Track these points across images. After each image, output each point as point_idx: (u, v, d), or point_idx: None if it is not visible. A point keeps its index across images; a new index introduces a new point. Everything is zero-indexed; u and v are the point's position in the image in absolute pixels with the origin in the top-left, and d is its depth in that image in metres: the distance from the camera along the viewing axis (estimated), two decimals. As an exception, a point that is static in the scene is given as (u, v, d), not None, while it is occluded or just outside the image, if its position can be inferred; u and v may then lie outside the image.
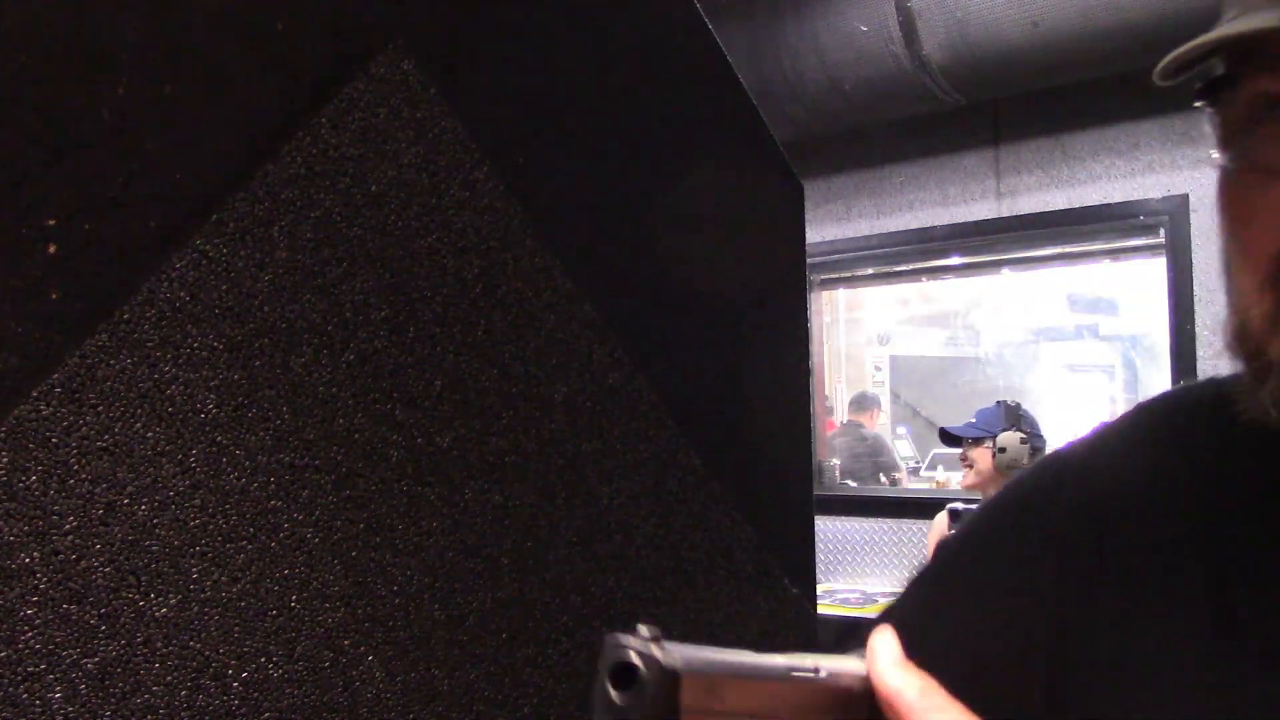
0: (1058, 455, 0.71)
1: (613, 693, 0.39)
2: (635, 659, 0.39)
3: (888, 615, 0.65)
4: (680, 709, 0.39)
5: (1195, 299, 3.30)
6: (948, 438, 3.51)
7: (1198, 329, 3.30)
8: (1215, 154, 0.64)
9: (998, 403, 3.50)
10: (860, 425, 4.97)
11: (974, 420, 3.41)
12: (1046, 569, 0.63)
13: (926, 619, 0.66)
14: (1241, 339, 0.60)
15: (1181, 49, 0.62)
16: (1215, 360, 0.84)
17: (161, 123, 0.74)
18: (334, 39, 0.84)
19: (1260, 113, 0.60)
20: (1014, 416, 3.36)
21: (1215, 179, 0.64)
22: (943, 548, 0.73)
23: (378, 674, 0.82)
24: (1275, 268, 0.58)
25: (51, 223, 0.69)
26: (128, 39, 0.72)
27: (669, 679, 0.39)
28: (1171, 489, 0.64)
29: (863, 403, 5.12)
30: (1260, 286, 0.59)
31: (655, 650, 0.39)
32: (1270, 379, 0.57)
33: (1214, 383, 0.68)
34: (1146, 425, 0.69)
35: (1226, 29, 0.58)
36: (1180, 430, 0.67)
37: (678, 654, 0.40)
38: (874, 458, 4.84)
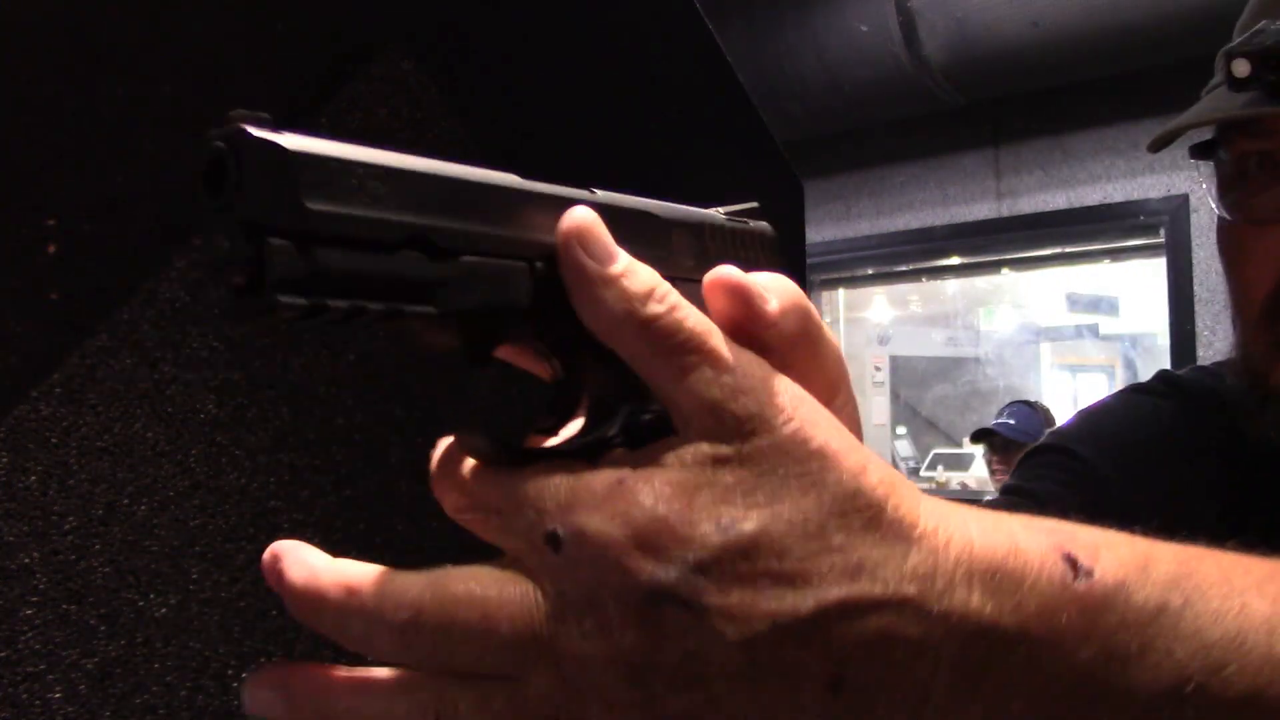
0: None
1: (207, 198, 0.28)
2: (222, 145, 0.28)
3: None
4: (301, 201, 0.28)
5: (1195, 299, 3.30)
6: (991, 436, 3.45)
7: (1198, 328, 3.30)
8: (1213, 205, 0.74)
9: (1024, 403, 3.48)
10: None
11: (1010, 421, 3.39)
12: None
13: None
14: (1247, 368, 0.71)
15: (1176, 125, 0.73)
16: (1215, 360, 0.91)
17: (161, 123, 0.74)
18: (334, 39, 0.84)
19: (1249, 168, 0.70)
20: (1051, 419, 3.37)
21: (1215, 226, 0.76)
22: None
23: (378, 674, 0.82)
24: (1271, 306, 0.69)
25: (51, 223, 0.69)
26: (128, 39, 0.72)
27: (273, 159, 0.27)
28: (1198, 457, 0.77)
29: None
30: (1259, 323, 0.70)
31: (251, 128, 0.28)
32: (1272, 406, 0.68)
33: (1209, 379, 0.82)
34: (1172, 404, 0.83)
35: (1217, 113, 0.70)
36: (1200, 418, 0.79)
37: (293, 137, 0.28)
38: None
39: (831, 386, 0.36)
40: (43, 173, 0.68)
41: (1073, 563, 0.33)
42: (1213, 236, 0.79)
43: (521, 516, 0.32)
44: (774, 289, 0.34)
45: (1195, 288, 3.30)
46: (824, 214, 4.11)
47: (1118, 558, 0.34)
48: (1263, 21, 0.66)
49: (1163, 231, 3.44)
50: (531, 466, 0.33)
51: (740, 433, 0.31)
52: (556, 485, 0.32)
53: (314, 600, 0.33)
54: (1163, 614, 0.33)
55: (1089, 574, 0.33)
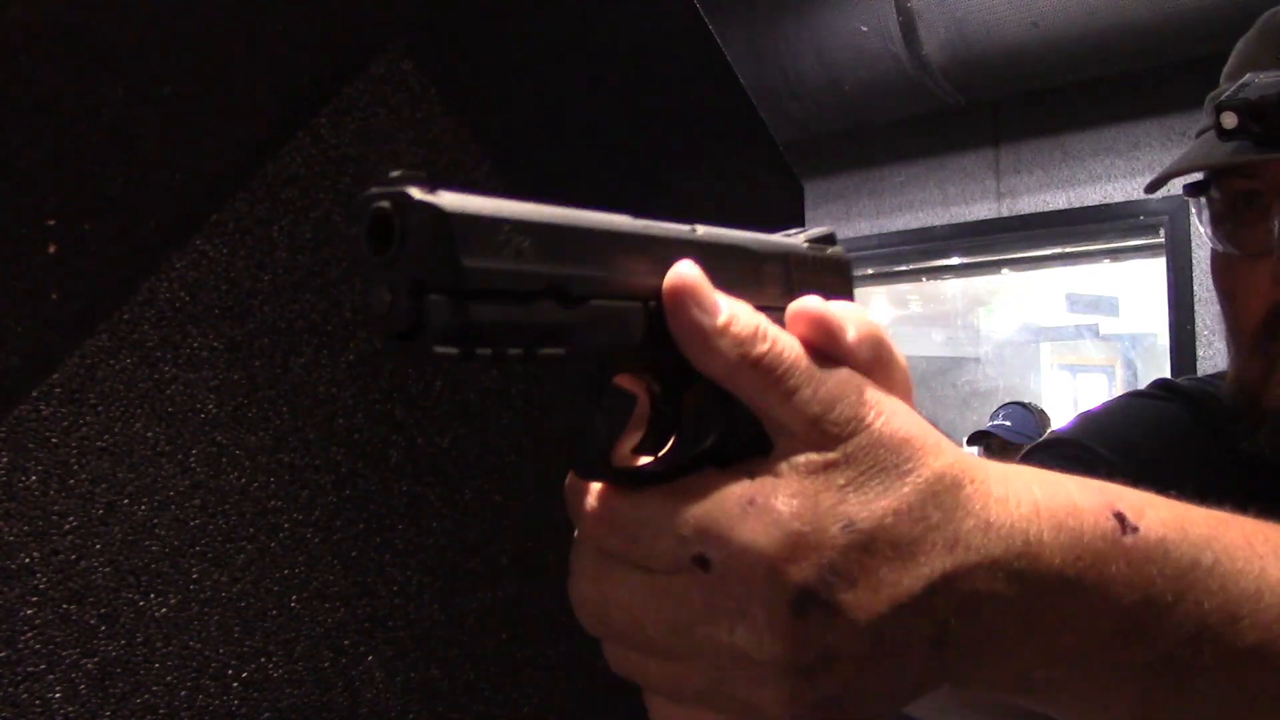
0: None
1: (370, 253, 0.32)
2: (387, 205, 0.31)
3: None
4: (459, 261, 0.30)
5: (1195, 299, 3.30)
6: (988, 438, 3.46)
7: (1198, 329, 3.29)
8: (1208, 237, 0.78)
9: (1019, 404, 3.48)
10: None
11: (1006, 423, 3.39)
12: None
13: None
14: (1242, 389, 0.75)
15: (1171, 169, 0.77)
16: (1215, 361, 0.93)
17: (161, 123, 0.74)
18: (334, 39, 0.84)
19: (1238, 205, 0.75)
20: (1046, 420, 3.36)
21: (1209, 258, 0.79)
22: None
23: (378, 674, 0.82)
24: (1261, 336, 0.73)
25: (51, 223, 0.69)
26: (128, 39, 0.72)
27: (434, 221, 0.30)
28: (1198, 458, 0.78)
29: None
30: (1252, 349, 0.74)
31: (414, 191, 0.31)
32: (1266, 425, 0.72)
33: (1208, 386, 0.84)
34: (1175, 407, 0.85)
35: (1209, 159, 0.74)
36: (1204, 421, 0.81)
37: (449, 197, 0.31)
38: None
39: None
40: (43, 173, 0.68)
41: (1121, 519, 0.37)
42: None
43: (664, 543, 0.35)
44: (852, 319, 0.37)
45: (1195, 288, 3.29)
46: (824, 214, 4.11)
47: (1160, 517, 0.38)
48: (1248, 74, 0.70)
49: (1163, 232, 3.43)
50: (656, 492, 0.35)
51: (841, 437, 0.34)
52: (690, 510, 0.34)
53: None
54: (1195, 569, 0.38)
55: (1135, 530, 0.37)
